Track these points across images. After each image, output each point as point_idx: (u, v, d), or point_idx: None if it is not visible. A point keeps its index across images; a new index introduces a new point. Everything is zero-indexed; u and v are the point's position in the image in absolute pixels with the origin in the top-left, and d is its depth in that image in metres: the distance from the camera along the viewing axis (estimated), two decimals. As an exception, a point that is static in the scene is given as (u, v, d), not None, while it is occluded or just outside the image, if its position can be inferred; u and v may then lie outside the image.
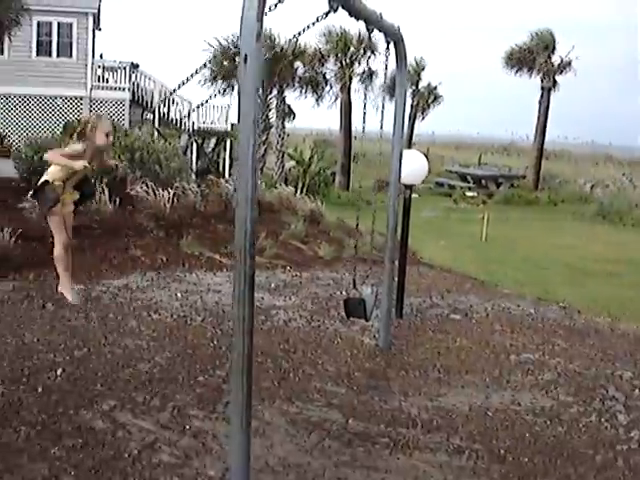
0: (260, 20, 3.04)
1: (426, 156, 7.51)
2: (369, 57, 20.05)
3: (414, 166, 7.10)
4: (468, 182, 23.71)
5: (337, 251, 10.31)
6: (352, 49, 19.77)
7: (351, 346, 6.25)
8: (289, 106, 19.35)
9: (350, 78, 20.07)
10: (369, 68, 20.46)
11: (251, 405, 3.46)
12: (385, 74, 6.12)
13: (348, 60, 19.81)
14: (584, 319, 8.01)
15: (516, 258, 13.17)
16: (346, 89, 20.14)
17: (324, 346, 6.22)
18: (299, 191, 15.02)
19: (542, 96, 22.72)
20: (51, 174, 6.21)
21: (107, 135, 6.21)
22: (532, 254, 13.61)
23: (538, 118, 23.43)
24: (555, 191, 23.26)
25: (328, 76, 18.88)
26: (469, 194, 21.54)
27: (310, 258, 9.79)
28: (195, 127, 18.35)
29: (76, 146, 6.14)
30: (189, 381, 5.17)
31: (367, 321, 5.94)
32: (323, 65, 18.69)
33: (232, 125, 19.02)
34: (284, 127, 17.60)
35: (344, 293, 7.99)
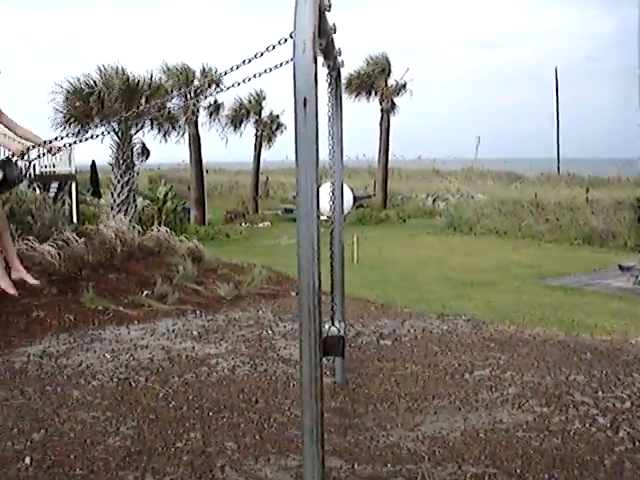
0: (315, 62, 2.88)
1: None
2: (215, 90, 19.93)
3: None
4: (315, 206, 23.98)
5: (235, 289, 10.04)
6: (196, 82, 19.52)
7: (309, 386, 6.05)
8: (144, 144, 18.79)
9: (196, 111, 19.80)
10: (215, 101, 20.33)
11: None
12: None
13: (193, 94, 19.55)
14: (495, 329, 8.30)
15: (395, 277, 13.44)
16: (193, 123, 19.86)
17: (281, 391, 6.00)
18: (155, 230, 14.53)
19: (382, 118, 23.63)
20: None
21: None
22: (407, 271, 13.96)
23: (380, 139, 24.32)
24: (401, 208, 24.20)
25: (173, 111, 18.47)
26: (323, 218, 21.83)
27: (213, 299, 9.46)
28: (37, 172, 17.24)
29: None
30: (170, 449, 4.78)
31: (343, 358, 5.79)
32: (167, 100, 18.22)
33: (76, 168, 18.11)
34: (134, 165, 16.98)
35: (270, 332, 7.81)
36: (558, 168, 33.87)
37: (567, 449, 4.71)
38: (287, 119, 24.27)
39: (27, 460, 4.49)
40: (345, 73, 23.32)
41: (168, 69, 19.15)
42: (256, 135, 22.70)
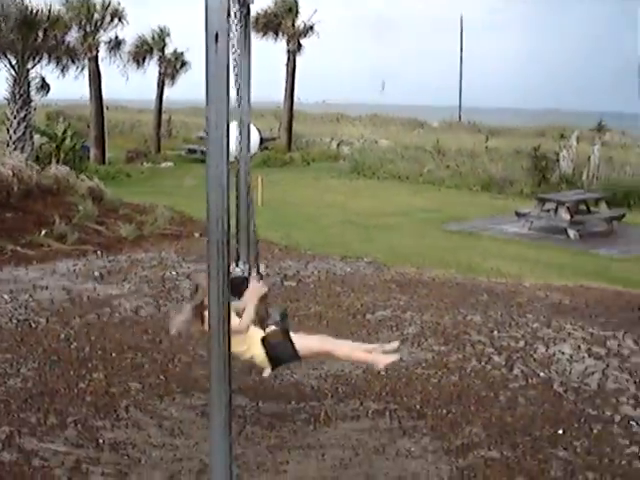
0: (228, -5, 2.80)
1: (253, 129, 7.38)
2: (116, 24, 19.12)
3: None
4: (219, 147, 23.65)
5: (138, 229, 9.85)
6: (96, 16, 18.66)
7: (213, 327, 6.06)
8: (43, 79, 17.88)
9: (96, 47, 18.98)
10: (116, 36, 19.53)
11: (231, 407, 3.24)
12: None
13: (92, 28, 18.71)
14: (396, 272, 8.50)
15: (299, 220, 13.48)
16: (93, 58, 19.03)
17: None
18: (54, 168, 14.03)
19: (288, 59, 23.29)
20: None
21: None
22: (312, 214, 14.00)
23: (286, 81, 24.02)
24: (306, 151, 24.15)
25: (71, 45, 17.65)
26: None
27: (115, 240, 9.26)
28: None
29: None
30: (72, 390, 4.71)
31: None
32: (66, 34, 17.42)
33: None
34: (31, 101, 16.20)
35: (174, 273, 7.73)
36: (459, 116, 34.52)
37: (464, 385, 4.93)
38: (192, 57, 23.64)
39: None
40: (253, 11, 22.85)
41: (67, 1, 18.19)
42: (159, 73, 22.03)
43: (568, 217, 12.32)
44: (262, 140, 19.74)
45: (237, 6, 5.27)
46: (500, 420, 4.41)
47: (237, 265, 5.47)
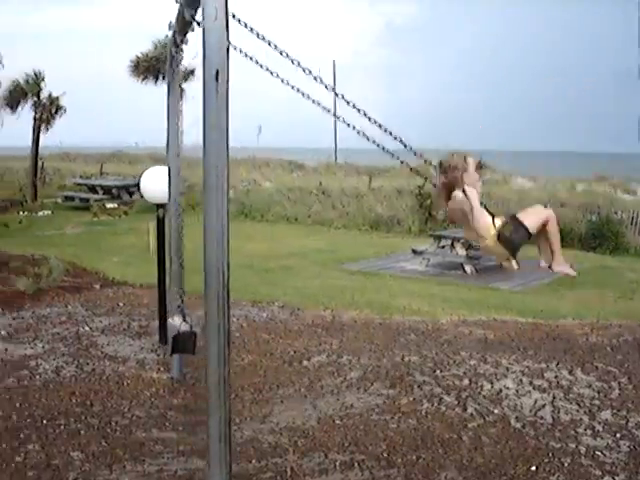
0: (227, 31, 2.63)
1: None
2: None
3: (164, 184, 6.69)
4: (97, 193, 22.93)
5: (35, 283, 9.23)
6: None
7: (145, 386, 5.71)
8: None
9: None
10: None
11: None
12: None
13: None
14: (314, 315, 8.38)
15: (197, 265, 13.11)
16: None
17: (116, 391, 5.58)
18: None
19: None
20: None
21: None
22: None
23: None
24: (189, 195, 23.65)
25: None
26: (109, 205, 20.82)
27: (13, 294, 8.61)
28: None
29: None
30: (10, 466, 4.26)
31: (194, 354, 5.44)
32: None
33: None
34: None
35: (87, 328, 7.27)
36: (335, 157, 35.10)
37: (424, 429, 4.83)
38: (67, 101, 22.76)
39: None
40: (131, 56, 22.43)
41: None
42: (34, 118, 21.07)
43: (464, 252, 12.66)
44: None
45: (174, 51, 5.10)
46: (472, 462, 4.34)
47: (184, 319, 5.22)
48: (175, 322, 5.24)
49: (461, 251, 12.70)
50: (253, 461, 4.42)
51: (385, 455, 4.45)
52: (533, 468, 4.23)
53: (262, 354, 6.50)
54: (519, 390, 5.55)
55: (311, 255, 14.17)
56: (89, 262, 11.95)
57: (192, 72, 21.83)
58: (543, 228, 3.82)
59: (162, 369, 6.06)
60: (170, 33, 4.96)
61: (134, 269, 12.28)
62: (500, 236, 3.75)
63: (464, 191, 3.77)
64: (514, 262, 3.87)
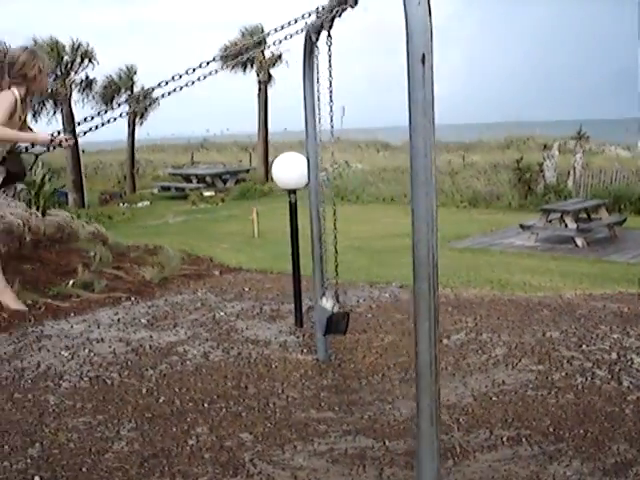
0: (430, 15, 2.66)
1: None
2: (86, 65, 18.76)
3: (296, 169, 6.82)
4: (192, 182, 23.46)
5: (160, 272, 9.55)
6: (66, 58, 18.30)
7: (293, 368, 5.84)
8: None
9: (69, 88, 18.57)
10: (87, 77, 19.16)
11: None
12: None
13: (63, 70, 18.33)
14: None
15: (307, 250, 13.29)
16: (66, 100, 18.60)
17: (266, 374, 5.74)
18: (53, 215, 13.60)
19: (260, 90, 23.20)
20: None
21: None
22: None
23: (259, 112, 23.92)
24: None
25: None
26: (207, 194, 21.33)
27: (141, 284, 8.93)
28: None
29: (8, 96, 4.28)
30: (185, 448, 4.43)
31: (344, 335, 5.55)
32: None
33: None
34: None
35: (222, 314, 7.48)
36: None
37: (585, 403, 4.80)
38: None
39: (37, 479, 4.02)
40: (220, 44, 22.75)
41: (35, 44, 17.82)
42: (128, 112, 21.69)
43: (575, 225, 12.42)
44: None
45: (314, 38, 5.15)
46: (642, 435, 4.30)
47: (337, 300, 5.32)
48: (326, 304, 5.35)
49: (571, 224, 12.47)
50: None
51: (551, 429, 4.44)
52: None
53: (400, 334, 6.56)
54: (674, 363, 5.45)
55: (414, 235, 14.14)
56: (199, 250, 12.26)
57: (279, 57, 22.09)
58: None
59: (305, 351, 6.19)
60: (312, 19, 5.02)
61: (245, 255, 12.58)
62: None
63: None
64: None
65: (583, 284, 9.06)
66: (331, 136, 5.15)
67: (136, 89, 21.46)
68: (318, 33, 5.05)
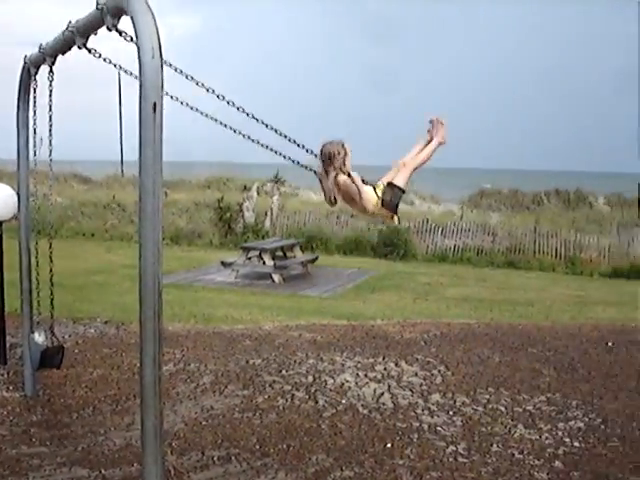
0: (162, 67, 2.96)
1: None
2: None
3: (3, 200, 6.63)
4: None
5: None
6: None
7: (0, 405, 5.66)
8: None
9: None
10: None
11: None
12: None
13: None
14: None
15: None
16: None
17: None
18: None
19: None
20: None
21: None
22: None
23: None
24: None
25: None
26: None
27: None
28: None
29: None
30: None
31: (59, 369, 5.47)
32: None
33: None
34: None
35: None
36: (122, 171, 34.53)
37: (286, 421, 5.32)
38: None
39: None
40: None
41: None
42: None
43: (272, 262, 13.32)
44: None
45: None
46: (335, 444, 4.90)
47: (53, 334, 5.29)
48: (38, 338, 5.30)
49: (269, 261, 13.35)
50: (134, 464, 4.64)
51: (257, 447, 4.87)
52: (388, 445, 4.88)
53: (109, 367, 6.63)
54: (358, 382, 6.22)
55: (118, 271, 14.07)
56: None
57: None
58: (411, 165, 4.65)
59: (12, 388, 6.01)
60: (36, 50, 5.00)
61: None
62: (383, 202, 4.53)
63: (349, 175, 4.46)
64: (396, 218, 4.67)
65: (280, 316, 9.77)
66: (34, 167, 5.22)
67: None
68: (38, 67, 5.07)
